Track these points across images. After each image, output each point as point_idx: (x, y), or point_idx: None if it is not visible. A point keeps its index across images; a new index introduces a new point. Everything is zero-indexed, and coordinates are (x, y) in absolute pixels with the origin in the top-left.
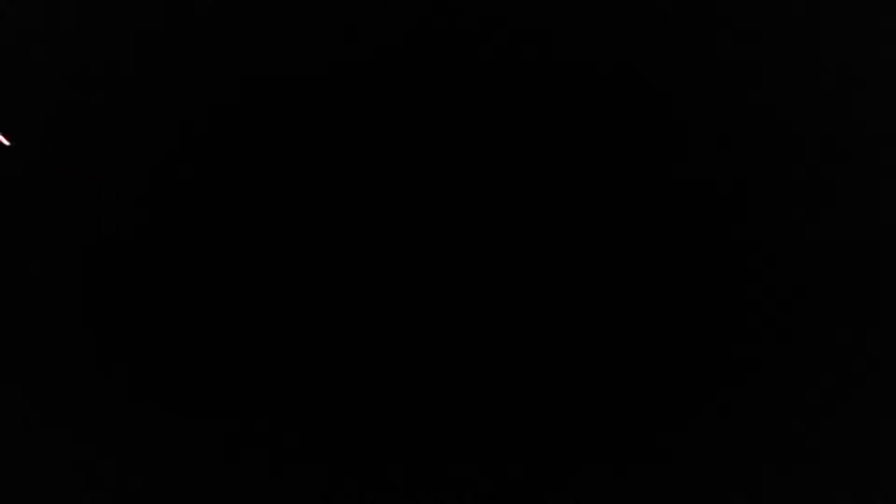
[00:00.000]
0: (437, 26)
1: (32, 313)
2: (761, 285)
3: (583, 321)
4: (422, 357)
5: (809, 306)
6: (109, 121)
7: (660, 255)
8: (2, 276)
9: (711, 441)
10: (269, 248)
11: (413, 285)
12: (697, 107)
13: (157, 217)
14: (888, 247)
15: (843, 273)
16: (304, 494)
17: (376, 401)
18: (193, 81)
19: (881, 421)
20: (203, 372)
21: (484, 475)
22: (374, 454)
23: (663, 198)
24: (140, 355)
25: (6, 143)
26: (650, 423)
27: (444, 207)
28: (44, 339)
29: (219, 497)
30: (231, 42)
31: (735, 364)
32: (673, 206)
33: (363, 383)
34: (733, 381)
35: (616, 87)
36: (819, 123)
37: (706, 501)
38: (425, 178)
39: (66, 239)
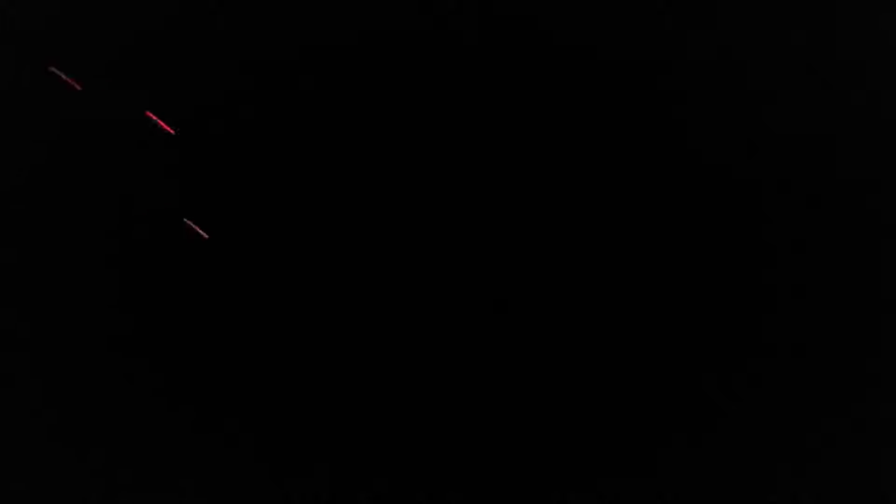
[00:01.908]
0: (436, 22)
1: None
2: (761, 286)
3: (585, 321)
4: (421, 361)
5: (810, 306)
6: (108, 118)
7: (658, 254)
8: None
9: (712, 442)
10: (270, 249)
11: (411, 288)
12: (697, 100)
13: (157, 217)
14: (888, 245)
15: (843, 272)
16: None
17: (374, 406)
18: (192, 77)
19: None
20: (204, 374)
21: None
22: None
23: (660, 195)
24: (138, 355)
25: (171, 131)
26: (649, 428)
27: (444, 205)
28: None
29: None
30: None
31: (734, 364)
32: (671, 205)
33: (361, 389)
34: (733, 384)
35: (617, 84)
36: (819, 118)
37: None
38: (425, 173)
39: (66, 237)
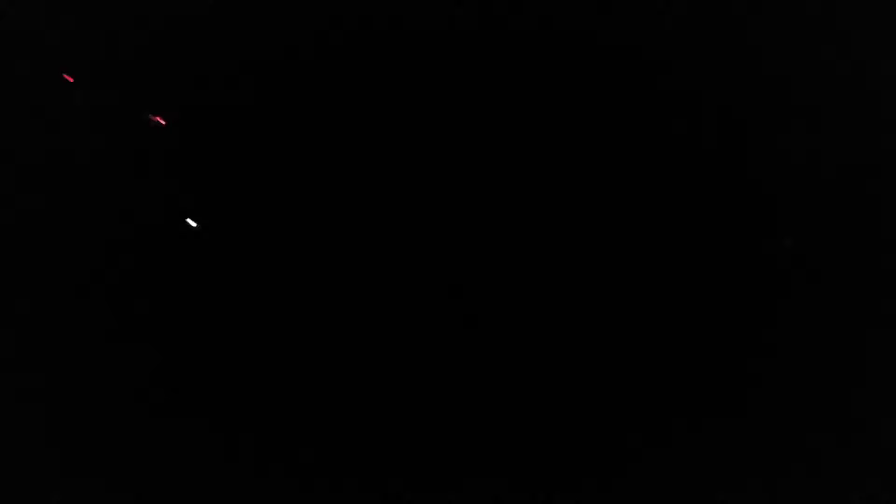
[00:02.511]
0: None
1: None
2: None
3: (583, 317)
4: (421, 361)
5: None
6: (106, 118)
7: (652, 249)
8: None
9: (710, 439)
10: (270, 250)
11: (410, 287)
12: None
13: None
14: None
15: (842, 267)
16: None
17: (374, 406)
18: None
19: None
20: (204, 374)
21: (487, 483)
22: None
23: (657, 190)
24: (138, 356)
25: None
26: (645, 424)
27: (443, 204)
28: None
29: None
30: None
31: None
32: (668, 199)
33: (360, 388)
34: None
35: (615, 80)
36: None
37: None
38: (424, 172)
39: (65, 235)
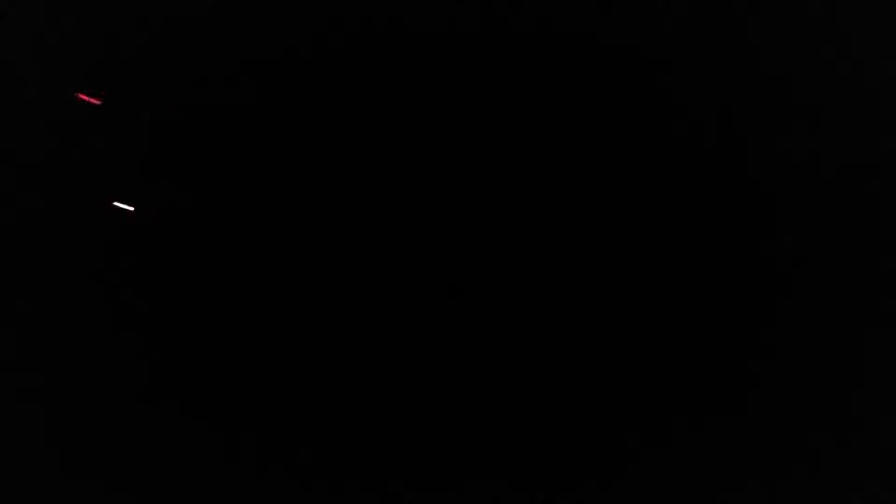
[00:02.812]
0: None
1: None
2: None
3: (579, 312)
4: (420, 361)
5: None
6: (105, 118)
7: (654, 249)
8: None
9: (707, 437)
10: (269, 250)
11: (410, 286)
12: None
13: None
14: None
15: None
16: None
17: (373, 407)
18: (191, 75)
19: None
20: (202, 375)
21: (485, 484)
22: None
23: (656, 187)
24: (137, 357)
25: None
26: (642, 422)
27: (443, 203)
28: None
29: None
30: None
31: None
32: (667, 198)
33: (358, 389)
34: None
35: (616, 79)
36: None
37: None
38: (424, 171)
39: (62, 236)
